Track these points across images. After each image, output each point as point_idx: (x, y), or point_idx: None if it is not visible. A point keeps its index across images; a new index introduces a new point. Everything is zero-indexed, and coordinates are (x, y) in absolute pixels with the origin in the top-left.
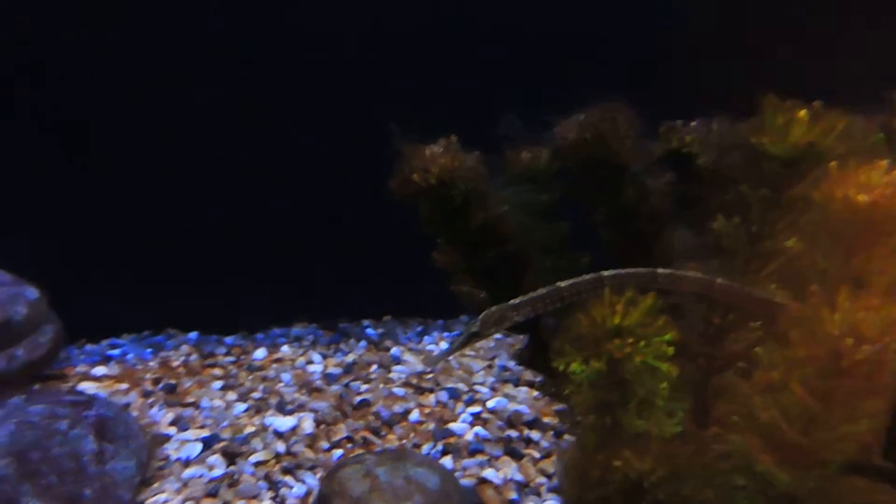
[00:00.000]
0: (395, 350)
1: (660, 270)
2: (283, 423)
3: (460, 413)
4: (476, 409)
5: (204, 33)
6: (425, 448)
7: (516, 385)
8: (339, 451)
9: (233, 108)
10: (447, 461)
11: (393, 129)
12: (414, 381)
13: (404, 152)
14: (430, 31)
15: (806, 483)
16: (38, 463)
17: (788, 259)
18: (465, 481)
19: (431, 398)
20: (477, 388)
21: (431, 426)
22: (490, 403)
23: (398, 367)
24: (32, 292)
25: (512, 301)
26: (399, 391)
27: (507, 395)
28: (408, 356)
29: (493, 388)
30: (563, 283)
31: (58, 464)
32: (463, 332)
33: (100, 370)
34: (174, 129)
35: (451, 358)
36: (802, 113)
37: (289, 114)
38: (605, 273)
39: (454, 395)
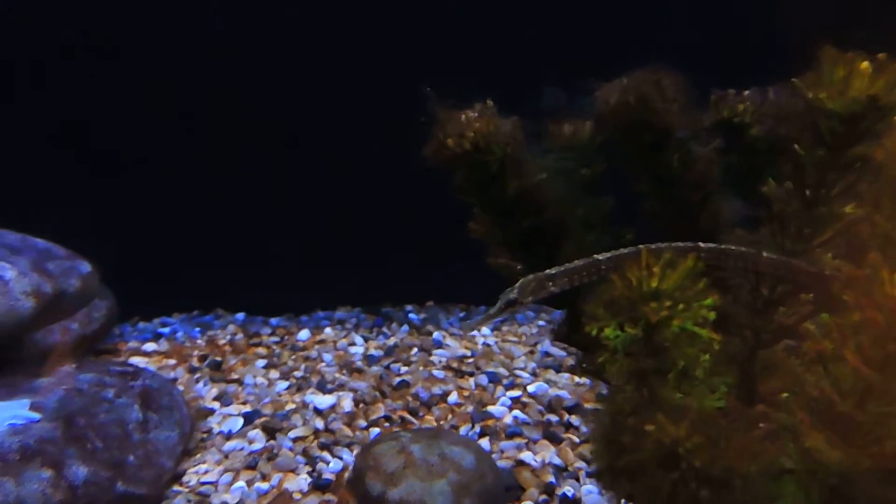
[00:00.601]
0: (436, 334)
1: (703, 244)
2: (323, 401)
3: (500, 397)
4: (516, 392)
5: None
6: (463, 429)
7: (558, 371)
8: (376, 430)
9: (277, 95)
10: (484, 443)
11: (427, 93)
12: (454, 364)
13: (439, 117)
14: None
15: (860, 462)
16: (85, 428)
17: (846, 224)
18: (502, 463)
19: (471, 381)
20: (518, 372)
21: (470, 408)
22: (531, 388)
23: (439, 351)
24: (86, 266)
25: (549, 270)
26: (439, 374)
27: (548, 381)
28: (449, 340)
29: (534, 374)
30: (601, 256)
31: (103, 430)
32: (500, 298)
33: (150, 346)
34: (227, 118)
35: (493, 343)
36: (864, 65)
37: (334, 99)
38: (646, 246)
39: (494, 378)
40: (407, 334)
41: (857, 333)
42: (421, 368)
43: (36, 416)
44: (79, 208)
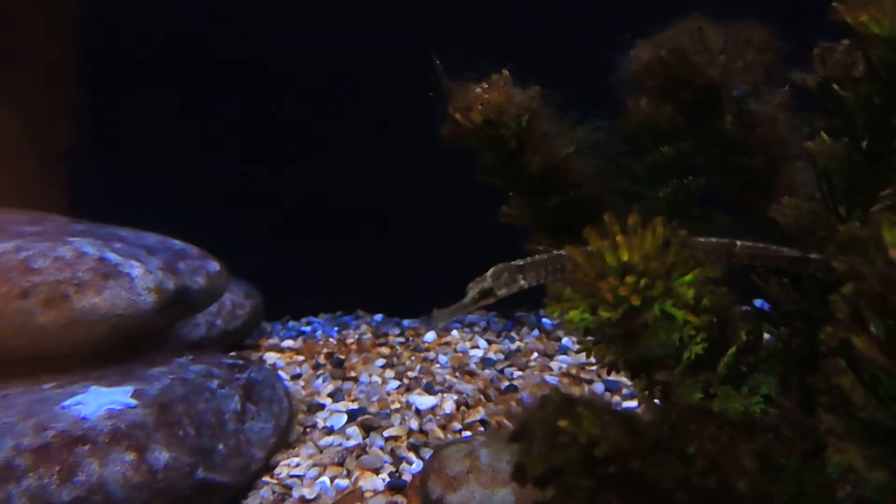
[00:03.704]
0: (566, 340)
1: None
2: (426, 401)
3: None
4: (632, 403)
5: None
6: None
7: None
8: (468, 434)
9: (421, 103)
10: None
11: (438, 67)
12: (573, 371)
13: (451, 91)
14: None
15: None
16: (180, 415)
17: None
18: None
19: (586, 389)
20: None
21: None
22: None
23: (561, 357)
24: (214, 266)
25: (517, 261)
26: (552, 380)
27: None
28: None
29: None
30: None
31: (199, 418)
32: (471, 287)
33: (287, 343)
34: (367, 130)
35: None
36: None
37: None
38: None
39: (612, 387)
40: (535, 339)
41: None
42: (535, 374)
43: (133, 402)
44: (241, 217)
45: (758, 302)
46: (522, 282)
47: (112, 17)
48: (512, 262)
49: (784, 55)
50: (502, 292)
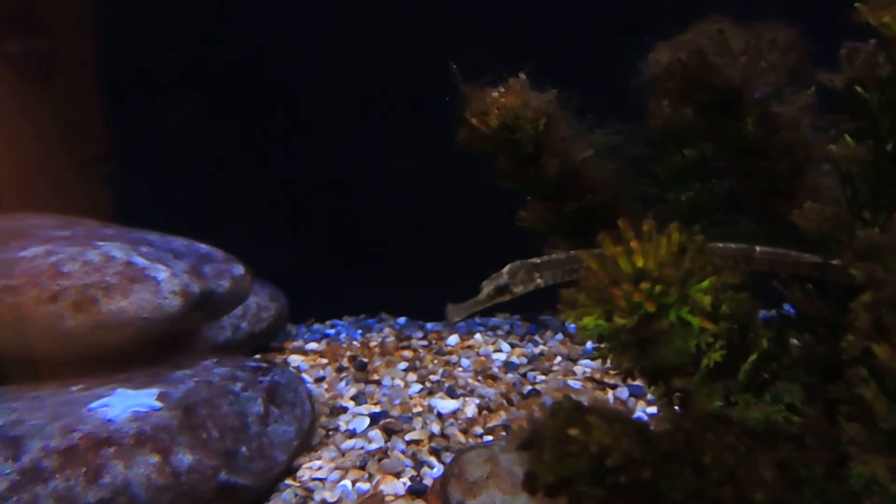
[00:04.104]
0: (590, 345)
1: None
2: (447, 405)
3: (639, 413)
4: (655, 410)
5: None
6: None
7: None
8: (489, 438)
9: (444, 107)
10: None
11: (453, 71)
12: (597, 375)
13: (467, 96)
14: None
15: None
16: (204, 418)
17: None
18: None
19: (610, 395)
20: None
21: None
22: None
23: (585, 361)
24: (238, 269)
25: (534, 259)
26: (576, 384)
27: None
28: None
29: None
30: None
31: (223, 421)
32: (486, 284)
33: (312, 346)
34: (394, 133)
35: None
36: None
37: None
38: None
39: (637, 393)
40: (559, 343)
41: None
42: (559, 378)
43: (158, 404)
44: (267, 220)
45: (788, 307)
46: (539, 280)
47: (144, 26)
48: (529, 260)
49: (812, 56)
50: (518, 290)
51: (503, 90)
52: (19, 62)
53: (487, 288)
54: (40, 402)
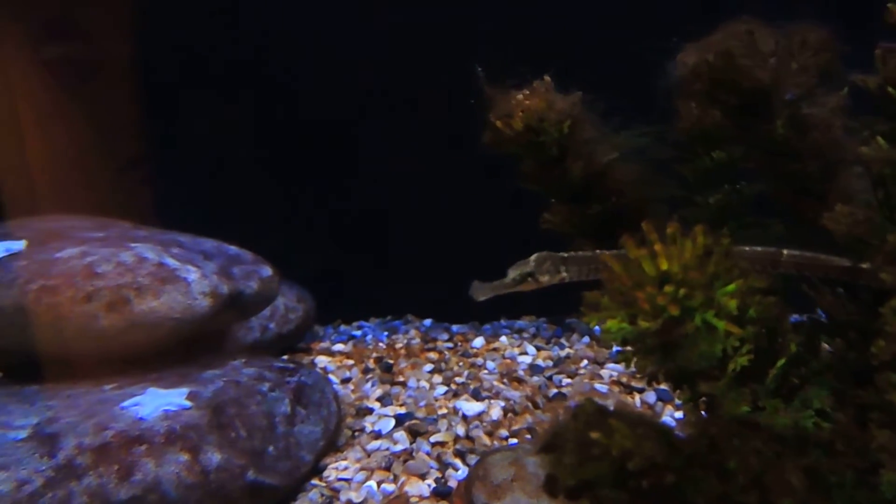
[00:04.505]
0: (616, 348)
1: (786, 251)
2: (472, 407)
3: (666, 417)
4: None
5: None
6: None
7: None
8: (514, 441)
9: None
10: None
11: (478, 73)
12: (624, 379)
13: (492, 99)
14: None
15: None
16: (233, 417)
17: None
18: None
19: (637, 398)
20: None
21: None
22: None
23: (612, 365)
24: (266, 271)
25: (562, 253)
26: (602, 388)
27: None
28: None
29: None
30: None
31: (251, 421)
32: (513, 269)
33: (338, 347)
34: (424, 135)
35: None
36: None
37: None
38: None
39: (665, 397)
40: (585, 346)
41: None
42: (585, 381)
43: (188, 403)
44: (295, 222)
45: (821, 312)
46: (564, 274)
47: (180, 30)
48: (557, 253)
49: (845, 57)
50: (545, 279)
51: (528, 92)
52: (57, 67)
53: (513, 273)
54: (75, 401)
